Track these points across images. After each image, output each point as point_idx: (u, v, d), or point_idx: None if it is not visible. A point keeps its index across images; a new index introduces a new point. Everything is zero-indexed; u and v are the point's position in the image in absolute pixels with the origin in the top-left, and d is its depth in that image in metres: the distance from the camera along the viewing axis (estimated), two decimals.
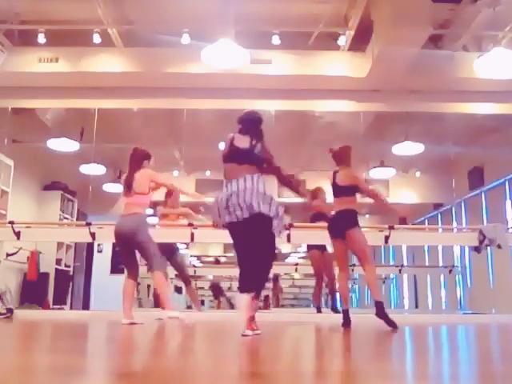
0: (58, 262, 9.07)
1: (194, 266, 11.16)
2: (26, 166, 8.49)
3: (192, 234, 6.25)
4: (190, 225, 6.34)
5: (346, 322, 4.41)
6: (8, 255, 7.66)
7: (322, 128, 8.72)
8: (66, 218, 9.46)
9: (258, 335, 3.24)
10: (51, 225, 7.96)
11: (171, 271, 6.46)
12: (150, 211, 5.16)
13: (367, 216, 10.80)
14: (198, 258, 12.73)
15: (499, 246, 6.39)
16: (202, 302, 11.98)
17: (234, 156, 3.61)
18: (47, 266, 8.70)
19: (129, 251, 4.75)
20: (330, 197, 5.14)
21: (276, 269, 10.38)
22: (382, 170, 9.08)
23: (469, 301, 9.51)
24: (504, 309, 7.55)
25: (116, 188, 9.91)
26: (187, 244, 9.18)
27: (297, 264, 11.00)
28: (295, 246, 12.52)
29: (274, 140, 8.68)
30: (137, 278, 4.93)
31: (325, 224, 5.06)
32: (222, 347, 2.82)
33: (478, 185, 9.20)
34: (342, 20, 6.91)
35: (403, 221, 7.41)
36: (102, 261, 8.99)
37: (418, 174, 10.52)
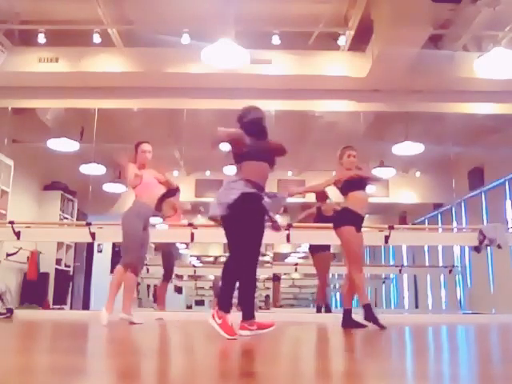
0: (58, 262, 9.07)
1: (194, 266, 11.17)
2: (26, 166, 8.49)
3: (192, 234, 6.25)
4: (190, 225, 6.35)
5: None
6: (8, 255, 7.66)
7: (322, 128, 8.72)
8: (65, 217, 9.46)
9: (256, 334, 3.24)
10: (51, 225, 7.97)
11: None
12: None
13: (367, 216, 10.79)
14: (198, 258, 12.75)
15: (499, 246, 6.40)
16: (202, 302, 12.00)
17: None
18: (47, 266, 8.70)
19: None
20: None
21: (276, 269, 10.40)
22: (382, 170, 9.07)
23: (469, 301, 9.51)
24: (504, 309, 7.55)
25: (116, 188, 9.93)
26: (187, 244, 9.19)
27: (296, 264, 11.01)
28: (295, 246, 12.53)
29: (273, 140, 8.67)
30: (137, 273, 4.78)
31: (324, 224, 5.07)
32: (222, 347, 2.82)
33: (478, 185, 9.21)
34: (342, 20, 6.91)
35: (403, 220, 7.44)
36: (102, 261, 8.99)
37: (418, 174, 10.52)
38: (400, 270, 10.57)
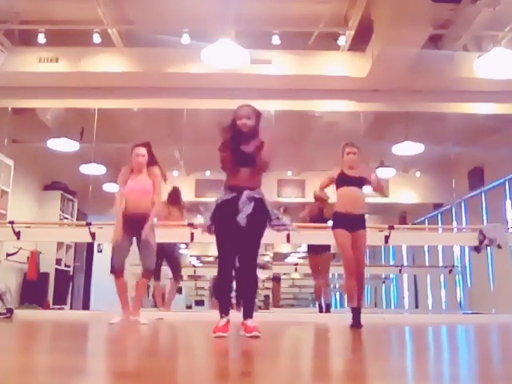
0: (58, 262, 9.07)
1: (194, 266, 11.17)
2: (26, 166, 8.49)
3: (192, 234, 6.24)
4: (190, 225, 6.34)
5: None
6: (8, 255, 7.66)
7: (322, 128, 8.73)
8: (65, 217, 9.46)
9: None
10: (51, 225, 7.96)
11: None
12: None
13: (367, 216, 10.79)
14: (198, 257, 12.74)
15: (499, 246, 6.40)
16: (202, 302, 11.99)
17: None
18: (47, 265, 8.70)
19: None
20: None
21: (276, 269, 10.40)
22: (382, 170, 9.07)
23: (469, 301, 9.51)
24: (504, 309, 7.55)
25: (116, 188, 9.93)
26: (187, 244, 9.18)
27: (296, 264, 11.00)
28: (295, 246, 12.52)
29: (273, 140, 8.65)
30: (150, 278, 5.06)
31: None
32: (221, 347, 2.82)
33: (478, 185, 9.20)
34: (342, 20, 6.91)
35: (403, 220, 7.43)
36: (102, 261, 8.97)
37: (418, 174, 10.52)
38: (400, 270, 10.57)
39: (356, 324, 4.29)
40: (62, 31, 6.90)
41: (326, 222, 6.04)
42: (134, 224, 4.68)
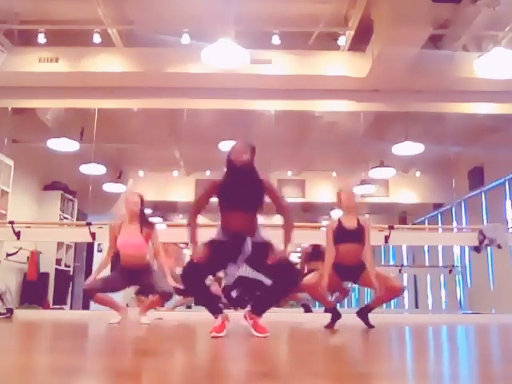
0: (58, 262, 9.07)
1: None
2: (26, 166, 8.49)
3: None
4: (190, 225, 6.32)
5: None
6: (8, 255, 7.66)
7: (322, 128, 8.73)
8: (65, 217, 9.46)
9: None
10: (51, 225, 7.97)
11: None
12: None
13: (367, 216, 10.80)
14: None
15: (499, 246, 6.40)
16: None
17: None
18: (47, 265, 8.70)
19: None
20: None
21: None
22: (382, 170, 9.08)
23: (469, 301, 9.51)
24: (504, 309, 7.55)
25: (116, 188, 9.94)
26: (187, 244, 9.18)
27: (296, 264, 10.98)
28: (295, 245, 12.51)
29: (274, 140, 8.74)
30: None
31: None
32: (221, 347, 2.82)
33: (478, 185, 9.20)
34: (342, 20, 6.91)
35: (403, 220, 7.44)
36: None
37: (418, 173, 10.52)
38: (400, 270, 10.55)
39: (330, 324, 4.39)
40: (62, 31, 6.90)
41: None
42: (131, 276, 4.76)
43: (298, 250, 13.13)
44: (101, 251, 9.20)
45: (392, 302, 12.56)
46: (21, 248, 7.74)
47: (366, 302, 4.64)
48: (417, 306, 11.12)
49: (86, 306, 9.47)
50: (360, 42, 6.87)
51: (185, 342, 3.39)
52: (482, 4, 5.89)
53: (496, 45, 5.91)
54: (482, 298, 8.99)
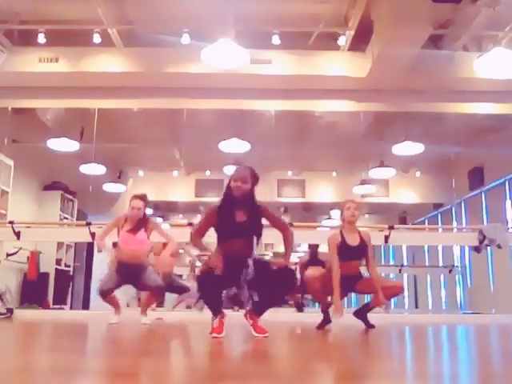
0: (58, 262, 9.07)
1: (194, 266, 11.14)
2: (26, 166, 8.49)
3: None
4: (190, 224, 6.34)
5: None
6: (8, 255, 7.66)
7: (322, 128, 8.73)
8: (65, 217, 9.46)
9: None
10: (51, 225, 7.97)
11: None
12: None
13: (367, 216, 10.80)
14: (198, 257, 12.71)
15: (499, 246, 6.40)
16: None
17: None
18: (47, 265, 8.70)
19: None
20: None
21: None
22: (382, 170, 9.08)
23: (469, 301, 9.51)
24: (504, 309, 7.55)
25: (116, 188, 9.94)
26: (187, 243, 9.17)
27: (296, 263, 10.97)
28: (295, 245, 12.49)
29: (274, 140, 8.74)
30: None
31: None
32: (222, 347, 2.82)
33: (478, 185, 9.20)
34: (342, 20, 6.91)
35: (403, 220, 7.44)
36: (102, 261, 8.98)
37: (418, 173, 10.52)
38: (400, 270, 10.56)
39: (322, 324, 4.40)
40: (62, 31, 6.90)
41: (322, 264, 6.16)
42: (129, 273, 4.79)
43: (298, 249, 13.13)
44: (101, 251, 9.20)
45: (392, 302, 12.59)
46: (21, 248, 7.74)
47: (365, 301, 4.62)
48: (417, 306, 11.12)
49: (85, 306, 9.49)
50: (360, 41, 6.87)
51: (184, 342, 3.39)
52: (481, 4, 5.89)
53: (496, 45, 5.91)
54: (482, 298, 9.00)
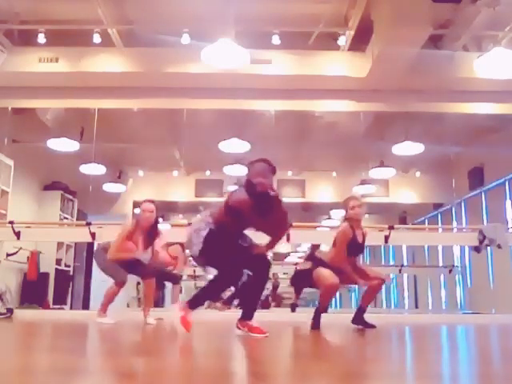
0: (58, 262, 9.07)
1: (194, 266, 11.15)
2: (26, 166, 8.49)
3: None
4: (190, 224, 6.33)
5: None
6: (8, 255, 7.66)
7: (322, 128, 8.73)
8: (65, 217, 9.46)
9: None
10: (51, 225, 7.97)
11: None
12: None
13: (367, 216, 10.80)
14: None
15: (499, 246, 6.39)
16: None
17: None
18: (47, 265, 8.70)
19: None
20: None
21: (275, 269, 10.39)
22: (382, 170, 9.07)
23: (469, 301, 9.51)
24: (504, 309, 7.55)
25: (116, 188, 9.94)
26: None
27: (296, 264, 10.97)
28: (295, 245, 12.51)
29: (274, 140, 8.73)
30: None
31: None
32: (221, 347, 2.82)
33: (478, 185, 9.20)
34: (342, 20, 6.91)
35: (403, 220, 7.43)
36: None
37: (418, 174, 10.52)
38: (400, 270, 10.56)
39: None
40: (62, 31, 6.90)
41: (322, 264, 6.12)
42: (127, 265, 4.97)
43: (298, 249, 13.14)
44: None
45: (392, 302, 12.61)
46: (21, 248, 7.74)
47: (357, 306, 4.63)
48: (417, 306, 11.12)
49: (85, 306, 9.49)
50: (360, 42, 6.87)
51: (184, 342, 3.39)
52: (481, 4, 5.89)
53: (496, 45, 5.91)
54: (482, 298, 8.99)
